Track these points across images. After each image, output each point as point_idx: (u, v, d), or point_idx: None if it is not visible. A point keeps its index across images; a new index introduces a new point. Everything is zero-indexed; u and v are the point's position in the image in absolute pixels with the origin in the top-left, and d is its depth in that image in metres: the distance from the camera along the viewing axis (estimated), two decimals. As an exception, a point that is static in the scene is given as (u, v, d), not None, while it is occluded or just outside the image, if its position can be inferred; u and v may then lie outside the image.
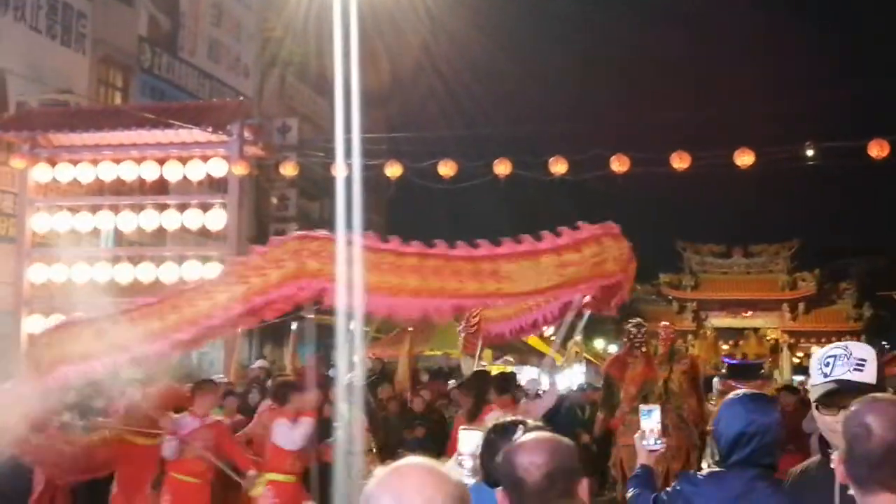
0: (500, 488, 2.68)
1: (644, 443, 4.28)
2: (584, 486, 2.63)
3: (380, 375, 15.18)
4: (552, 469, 2.57)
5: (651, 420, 4.30)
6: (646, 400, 10.58)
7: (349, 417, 9.31)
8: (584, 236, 7.20)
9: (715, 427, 3.92)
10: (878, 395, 2.68)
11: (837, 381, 3.36)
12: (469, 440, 4.05)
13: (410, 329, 17.37)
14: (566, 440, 2.74)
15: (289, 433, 8.67)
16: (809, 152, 16.08)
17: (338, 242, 7.15)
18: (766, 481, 3.72)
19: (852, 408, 2.56)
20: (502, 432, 3.41)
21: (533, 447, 2.65)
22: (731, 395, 4.03)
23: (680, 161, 15.13)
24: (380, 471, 2.04)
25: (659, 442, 4.26)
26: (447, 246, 7.27)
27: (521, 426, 3.40)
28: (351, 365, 10.28)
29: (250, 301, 7.19)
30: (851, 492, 2.51)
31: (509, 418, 3.59)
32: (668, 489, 4.07)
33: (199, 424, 8.81)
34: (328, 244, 7.12)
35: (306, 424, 8.67)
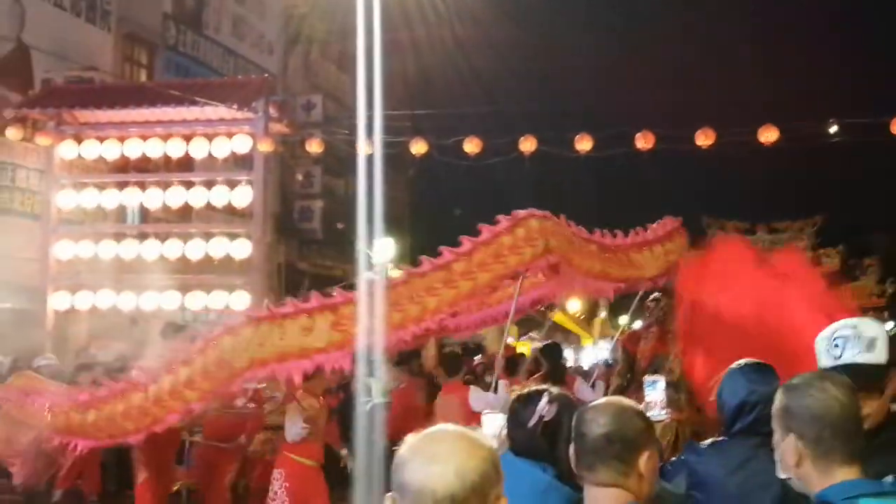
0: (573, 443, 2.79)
1: (648, 414, 4.29)
2: (645, 458, 2.68)
3: (408, 353, 15.23)
4: (611, 431, 2.68)
5: (656, 391, 4.32)
6: (656, 374, 10.64)
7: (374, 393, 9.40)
8: (671, 229, 8.60)
9: (717, 397, 3.93)
10: (817, 372, 2.69)
11: (848, 366, 3.34)
12: (492, 423, 4.09)
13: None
14: (639, 411, 2.83)
15: (492, 397, 8.76)
16: (833, 129, 16.01)
17: (563, 224, 7.69)
18: (767, 448, 3.74)
19: (802, 382, 2.57)
20: (527, 401, 3.46)
21: (601, 407, 2.78)
22: (733, 365, 4.05)
23: (705, 138, 15.10)
24: (411, 437, 2.06)
25: (663, 413, 4.27)
26: (589, 233, 8.13)
27: (546, 394, 3.45)
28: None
29: (504, 280, 7.57)
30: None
31: (533, 388, 3.63)
32: (673, 459, 4.10)
33: (318, 405, 8.59)
34: (560, 225, 7.52)
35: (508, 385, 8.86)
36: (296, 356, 7.18)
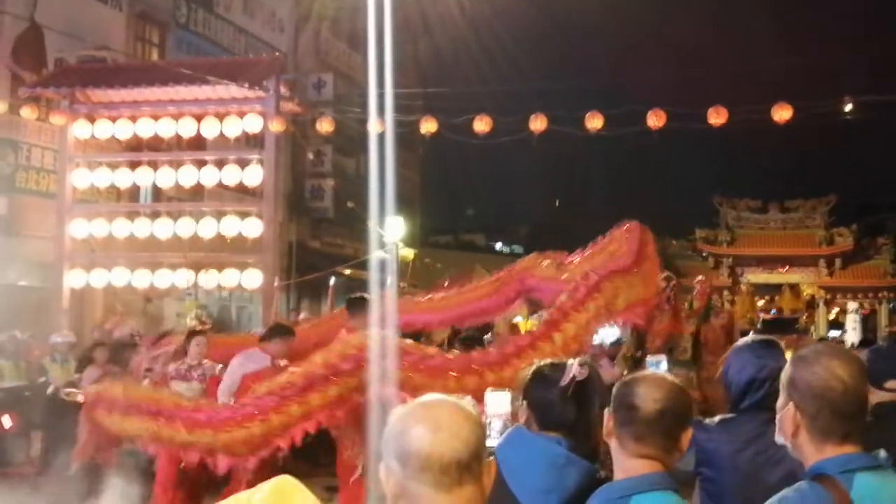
0: (608, 409, 2.78)
1: None
2: (688, 436, 2.71)
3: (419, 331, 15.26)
4: (666, 407, 2.68)
5: (659, 371, 4.30)
6: (671, 354, 10.68)
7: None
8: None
9: (724, 374, 3.92)
10: (830, 345, 2.68)
11: None
12: (497, 402, 4.05)
13: (446, 283, 17.42)
14: (683, 387, 2.84)
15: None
16: (847, 106, 15.95)
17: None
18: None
19: (811, 355, 2.53)
20: (553, 366, 3.43)
21: (655, 382, 2.76)
22: (739, 342, 4.04)
23: (717, 116, 15.04)
24: (401, 409, 2.09)
25: None
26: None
27: (572, 361, 3.43)
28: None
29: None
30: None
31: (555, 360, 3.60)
32: None
33: None
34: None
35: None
36: (633, 306, 8.11)
